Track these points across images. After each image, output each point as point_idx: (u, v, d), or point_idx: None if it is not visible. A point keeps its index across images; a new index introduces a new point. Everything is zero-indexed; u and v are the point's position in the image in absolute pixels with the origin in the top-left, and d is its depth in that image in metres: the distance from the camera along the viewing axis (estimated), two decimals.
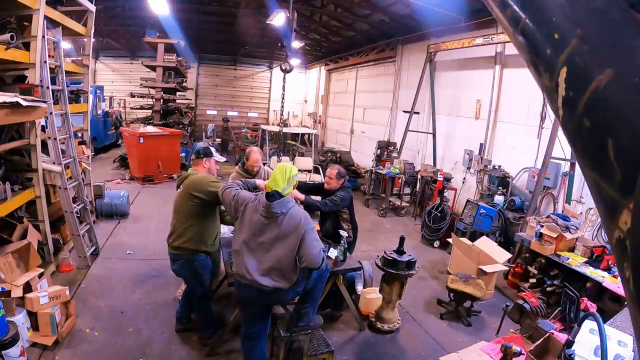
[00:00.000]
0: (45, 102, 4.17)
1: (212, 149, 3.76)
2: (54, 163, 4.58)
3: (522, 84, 6.57)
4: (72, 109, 5.30)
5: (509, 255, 5.12)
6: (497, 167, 7.05)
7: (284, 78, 5.92)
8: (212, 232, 3.50)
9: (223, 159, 3.99)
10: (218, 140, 14.17)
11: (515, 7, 0.76)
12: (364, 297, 4.31)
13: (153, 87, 12.23)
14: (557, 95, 0.67)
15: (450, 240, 5.74)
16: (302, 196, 3.79)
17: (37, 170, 4.30)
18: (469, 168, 7.91)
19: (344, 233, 3.96)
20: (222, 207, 3.45)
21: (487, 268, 4.61)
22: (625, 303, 2.56)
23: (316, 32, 13.74)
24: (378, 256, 4.27)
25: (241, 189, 3.07)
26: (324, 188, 4.37)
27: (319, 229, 4.36)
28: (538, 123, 6.33)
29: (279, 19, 9.04)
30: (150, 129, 10.10)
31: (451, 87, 8.72)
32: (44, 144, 4.61)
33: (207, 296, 3.63)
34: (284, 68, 5.87)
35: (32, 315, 3.44)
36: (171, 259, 3.51)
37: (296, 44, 11.50)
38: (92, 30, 5.87)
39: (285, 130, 6.94)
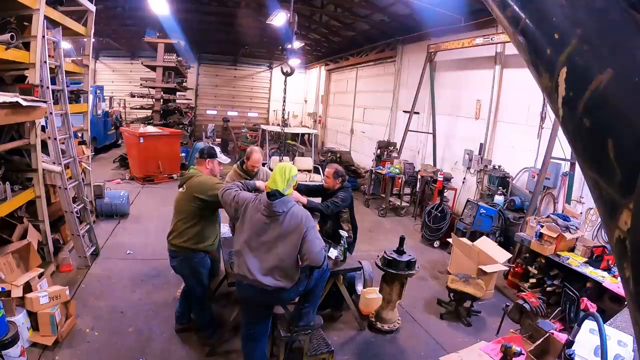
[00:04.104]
0: (45, 102, 4.17)
1: (217, 150, 3.73)
2: (54, 163, 4.58)
3: (522, 84, 6.56)
4: (72, 109, 5.30)
5: (509, 255, 5.12)
6: (497, 167, 7.05)
7: (285, 81, 5.88)
8: (212, 233, 3.51)
9: (228, 160, 3.95)
10: (218, 140, 14.18)
11: (515, 7, 0.76)
12: (364, 297, 4.31)
13: (153, 87, 12.23)
14: (557, 95, 0.67)
15: (450, 240, 5.74)
16: (304, 200, 3.79)
17: (37, 170, 4.30)
18: (469, 168, 7.90)
19: (344, 233, 3.96)
20: None
21: (487, 268, 4.61)
22: (625, 303, 2.57)
23: (316, 32, 13.74)
24: (378, 256, 4.28)
25: (241, 190, 3.07)
26: (324, 188, 4.37)
27: (319, 229, 4.36)
28: (538, 123, 6.32)
29: (279, 19, 9.05)
30: (150, 129, 10.10)
31: (451, 87, 8.71)
32: (44, 144, 4.61)
33: (205, 295, 3.63)
34: (285, 71, 5.84)
35: (32, 315, 3.44)
36: (170, 256, 3.52)
37: (296, 44, 11.50)
38: (92, 30, 5.87)
39: (285, 130, 6.92)
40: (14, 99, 3.39)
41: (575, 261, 4.59)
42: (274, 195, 2.80)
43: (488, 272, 4.56)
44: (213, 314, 3.80)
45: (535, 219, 5.24)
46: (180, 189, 3.48)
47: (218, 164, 3.64)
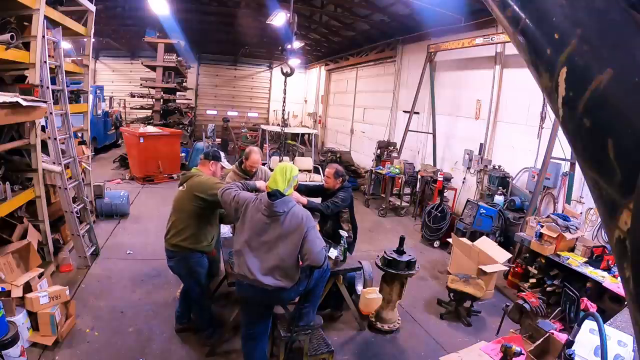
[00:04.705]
0: (45, 102, 4.17)
1: (222, 155, 3.80)
2: (54, 163, 4.58)
3: (522, 84, 6.56)
4: (72, 109, 5.30)
5: (509, 255, 5.12)
6: (497, 167, 7.05)
7: (285, 81, 5.88)
8: (210, 233, 3.51)
9: (230, 167, 4.04)
10: (218, 140, 14.18)
11: (515, 7, 0.76)
12: (364, 297, 4.31)
13: (153, 87, 12.23)
14: (557, 95, 0.67)
15: (450, 240, 5.74)
16: (304, 200, 3.78)
17: (37, 170, 4.30)
18: (469, 168, 7.90)
19: (344, 233, 3.96)
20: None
21: (487, 268, 4.61)
22: (625, 303, 2.57)
23: (316, 32, 13.74)
24: (378, 256, 4.28)
25: (241, 190, 3.07)
26: (324, 188, 4.37)
27: (319, 229, 4.36)
28: (538, 123, 6.32)
29: (279, 19, 9.05)
30: (150, 129, 10.10)
31: (451, 87, 8.71)
32: (44, 144, 4.61)
33: (203, 295, 3.62)
34: (285, 71, 5.82)
35: (32, 315, 3.44)
36: (168, 256, 3.52)
37: (296, 44, 11.52)
38: (92, 30, 5.88)
39: (285, 130, 6.92)
40: (14, 99, 3.39)
41: (575, 261, 4.58)
42: (275, 195, 2.80)
43: (488, 272, 4.56)
44: (213, 314, 3.79)
45: (535, 219, 5.23)
46: (181, 188, 3.49)
47: (221, 168, 3.70)
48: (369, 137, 12.85)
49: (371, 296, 4.17)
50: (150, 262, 5.19)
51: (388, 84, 11.59)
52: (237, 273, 2.87)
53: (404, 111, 9.99)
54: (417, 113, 9.33)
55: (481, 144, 7.58)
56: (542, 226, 4.94)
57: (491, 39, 6.80)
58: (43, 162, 4.40)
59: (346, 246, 3.89)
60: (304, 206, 3.69)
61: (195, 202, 3.33)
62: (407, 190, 9.02)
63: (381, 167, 9.18)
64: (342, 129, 15.39)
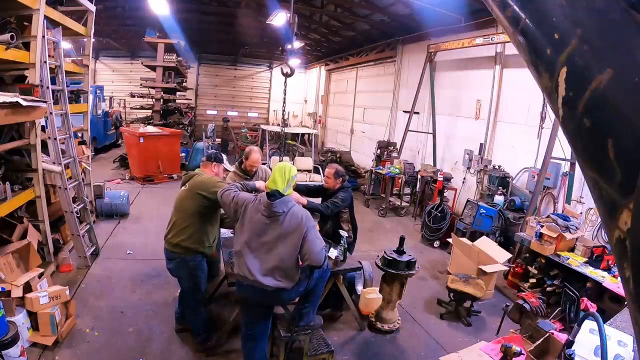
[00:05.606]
0: (45, 102, 4.17)
1: (224, 157, 3.83)
2: (54, 163, 4.58)
3: (522, 84, 6.56)
4: (72, 109, 5.30)
5: (509, 255, 5.12)
6: (497, 167, 7.05)
7: (285, 82, 5.87)
8: (211, 234, 3.50)
9: (232, 168, 4.08)
10: (218, 140, 14.18)
11: (515, 7, 0.76)
12: (364, 297, 4.30)
13: (153, 87, 12.24)
14: (557, 95, 0.67)
15: (450, 240, 5.74)
16: (304, 200, 3.78)
17: (37, 170, 4.30)
18: (469, 168, 7.90)
19: (344, 233, 3.96)
20: (222, 211, 3.44)
21: (487, 268, 4.61)
22: (625, 303, 2.57)
23: (316, 32, 13.74)
24: (378, 256, 4.28)
25: (240, 191, 3.07)
26: (324, 188, 4.37)
27: (319, 229, 4.36)
28: (538, 123, 6.32)
29: (279, 19, 9.05)
30: (150, 129, 10.11)
31: (451, 87, 8.71)
32: (44, 144, 4.61)
33: (199, 300, 3.57)
34: (285, 72, 5.81)
35: (32, 315, 3.44)
36: (167, 258, 3.49)
37: (296, 45, 11.51)
38: (92, 30, 5.88)
39: (285, 130, 6.91)
40: (14, 99, 3.39)
41: (575, 261, 4.58)
42: (274, 195, 2.80)
43: (488, 272, 4.56)
44: (209, 318, 3.76)
45: (535, 219, 5.23)
46: (183, 187, 3.50)
47: (223, 170, 3.73)
48: (369, 137, 12.85)
49: (371, 296, 4.17)
50: (150, 262, 5.18)
51: (388, 84, 11.59)
52: (237, 274, 2.87)
53: (404, 111, 9.99)
54: (417, 113, 9.33)
55: (481, 144, 7.58)
56: (542, 226, 4.94)
57: (491, 39, 6.80)
58: (43, 162, 4.40)
59: (346, 246, 3.89)
60: (304, 206, 3.69)
61: (198, 201, 3.33)
62: (407, 190, 9.02)
63: (381, 167, 9.18)
64: (342, 129, 15.39)
